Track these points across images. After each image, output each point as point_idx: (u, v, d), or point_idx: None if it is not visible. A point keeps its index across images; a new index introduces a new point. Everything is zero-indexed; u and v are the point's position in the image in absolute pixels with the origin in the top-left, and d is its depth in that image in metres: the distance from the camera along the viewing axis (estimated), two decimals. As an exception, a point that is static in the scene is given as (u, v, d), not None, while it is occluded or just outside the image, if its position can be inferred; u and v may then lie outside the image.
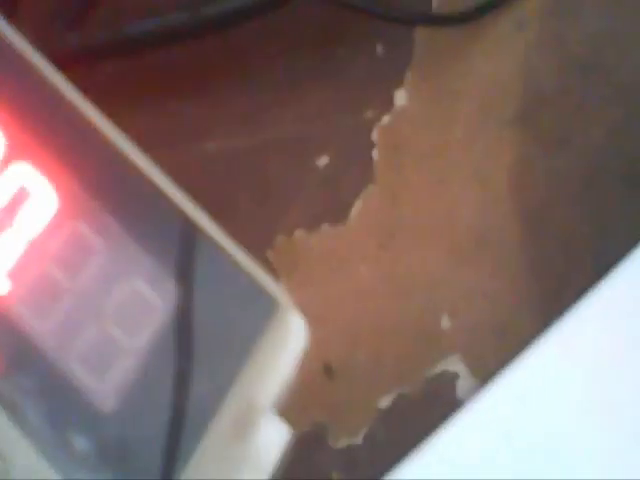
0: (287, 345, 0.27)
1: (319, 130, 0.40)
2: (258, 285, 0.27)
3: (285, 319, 0.27)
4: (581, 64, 0.42)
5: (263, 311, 0.27)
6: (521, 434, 0.38)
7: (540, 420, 0.38)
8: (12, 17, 0.34)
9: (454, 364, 0.39)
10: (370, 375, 0.38)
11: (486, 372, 0.39)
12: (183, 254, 0.27)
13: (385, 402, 0.38)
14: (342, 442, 0.37)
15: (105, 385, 0.26)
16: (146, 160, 0.28)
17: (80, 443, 0.25)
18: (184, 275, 0.27)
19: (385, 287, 0.39)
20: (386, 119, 0.41)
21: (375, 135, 0.40)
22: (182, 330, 0.27)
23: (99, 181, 0.28)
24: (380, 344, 0.39)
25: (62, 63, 0.34)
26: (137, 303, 0.26)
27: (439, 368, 0.39)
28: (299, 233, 0.39)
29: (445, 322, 0.39)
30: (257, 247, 0.36)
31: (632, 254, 0.39)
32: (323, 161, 0.40)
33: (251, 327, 0.27)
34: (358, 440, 0.37)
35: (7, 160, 0.27)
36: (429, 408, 0.38)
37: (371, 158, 0.40)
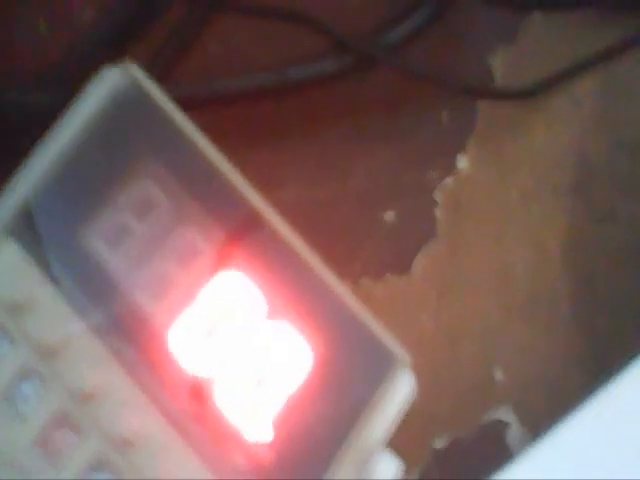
0: (399, 394, 0.30)
1: (385, 186, 0.43)
2: (379, 341, 0.30)
3: (400, 373, 0.30)
4: (630, 143, 0.45)
5: (383, 365, 0.31)
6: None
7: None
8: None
9: (505, 414, 0.41)
10: (426, 417, 0.40)
11: (535, 423, 0.40)
12: (322, 319, 0.31)
13: (440, 444, 0.40)
14: (399, 478, 0.39)
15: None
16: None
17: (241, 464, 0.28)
18: (322, 335, 0.31)
19: (442, 336, 0.41)
20: (448, 180, 0.43)
21: (438, 194, 0.43)
22: (319, 381, 0.31)
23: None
24: (437, 389, 0.41)
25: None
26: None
27: (491, 416, 0.41)
28: (364, 281, 0.42)
29: (498, 373, 0.41)
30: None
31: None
32: (389, 215, 0.42)
33: (372, 378, 0.31)
34: (414, 476, 0.39)
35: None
36: (480, 453, 0.40)
37: (433, 215, 0.43)
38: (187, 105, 0.42)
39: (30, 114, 0.41)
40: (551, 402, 0.41)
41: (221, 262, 0.31)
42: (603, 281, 0.43)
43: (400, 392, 0.31)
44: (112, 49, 0.44)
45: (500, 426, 0.41)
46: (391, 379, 0.31)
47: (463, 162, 0.44)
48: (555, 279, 0.43)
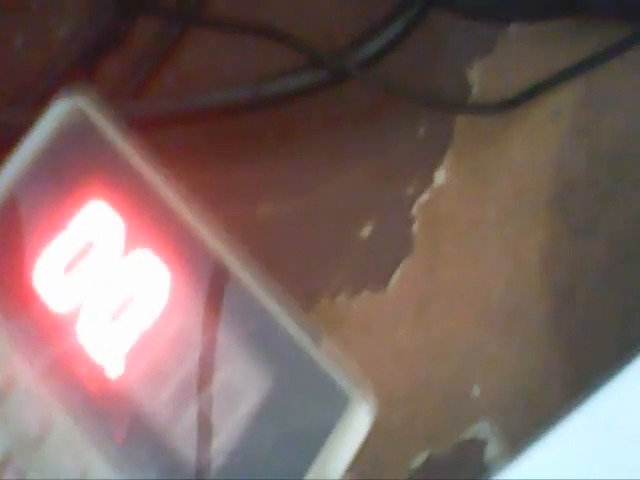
0: (355, 430, 0.30)
1: (362, 202, 0.43)
2: (333, 381, 0.31)
3: (355, 410, 0.30)
4: (610, 155, 0.45)
5: (337, 404, 0.31)
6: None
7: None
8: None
9: (483, 430, 0.40)
10: (403, 435, 0.40)
11: (514, 440, 0.40)
12: (272, 352, 0.31)
13: (417, 462, 0.40)
14: (375, 497, 0.39)
15: (205, 458, 0.29)
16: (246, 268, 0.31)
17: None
18: (272, 370, 0.30)
19: (420, 352, 0.41)
20: (426, 196, 0.43)
21: (415, 210, 0.43)
22: (268, 417, 0.30)
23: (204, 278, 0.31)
24: (413, 406, 0.40)
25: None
26: (232, 391, 0.30)
27: (469, 432, 0.40)
28: (341, 297, 0.41)
29: (476, 390, 0.41)
30: (301, 308, 0.38)
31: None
32: (366, 231, 0.42)
33: (327, 417, 0.31)
34: (391, 497, 0.39)
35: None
36: (458, 470, 0.40)
37: (411, 231, 0.43)
38: (161, 121, 0.42)
39: (6, 133, 0.40)
40: (530, 418, 0.40)
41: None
42: (583, 295, 0.43)
43: (357, 428, 0.31)
44: (87, 65, 0.44)
45: (478, 443, 0.40)
46: (347, 416, 0.30)
47: (441, 177, 0.44)
48: (534, 294, 0.42)
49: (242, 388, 0.30)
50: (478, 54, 0.45)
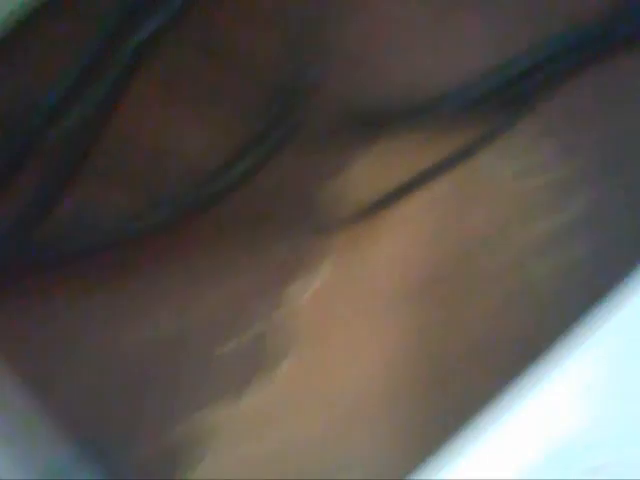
0: None
1: (237, 313, 0.46)
2: None
3: None
4: (478, 241, 0.47)
5: None
6: None
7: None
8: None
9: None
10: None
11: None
12: None
13: None
14: None
15: None
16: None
17: None
18: None
19: (296, 451, 0.44)
20: (305, 298, 0.46)
21: (288, 316, 0.46)
22: None
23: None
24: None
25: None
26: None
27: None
28: (218, 407, 0.45)
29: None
30: (177, 419, 0.41)
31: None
32: (243, 340, 0.46)
33: None
34: None
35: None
36: None
37: (289, 333, 0.46)
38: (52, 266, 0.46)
39: None
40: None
41: None
42: (455, 384, 0.45)
43: None
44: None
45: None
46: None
47: (320, 279, 0.47)
48: (406, 386, 0.45)
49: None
50: (343, 165, 0.48)
